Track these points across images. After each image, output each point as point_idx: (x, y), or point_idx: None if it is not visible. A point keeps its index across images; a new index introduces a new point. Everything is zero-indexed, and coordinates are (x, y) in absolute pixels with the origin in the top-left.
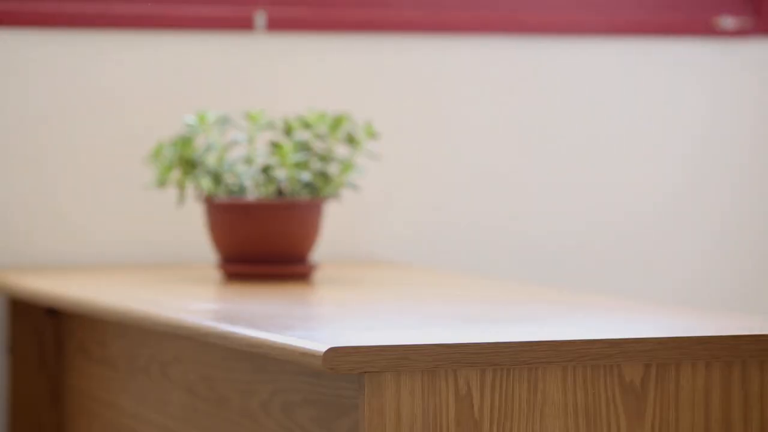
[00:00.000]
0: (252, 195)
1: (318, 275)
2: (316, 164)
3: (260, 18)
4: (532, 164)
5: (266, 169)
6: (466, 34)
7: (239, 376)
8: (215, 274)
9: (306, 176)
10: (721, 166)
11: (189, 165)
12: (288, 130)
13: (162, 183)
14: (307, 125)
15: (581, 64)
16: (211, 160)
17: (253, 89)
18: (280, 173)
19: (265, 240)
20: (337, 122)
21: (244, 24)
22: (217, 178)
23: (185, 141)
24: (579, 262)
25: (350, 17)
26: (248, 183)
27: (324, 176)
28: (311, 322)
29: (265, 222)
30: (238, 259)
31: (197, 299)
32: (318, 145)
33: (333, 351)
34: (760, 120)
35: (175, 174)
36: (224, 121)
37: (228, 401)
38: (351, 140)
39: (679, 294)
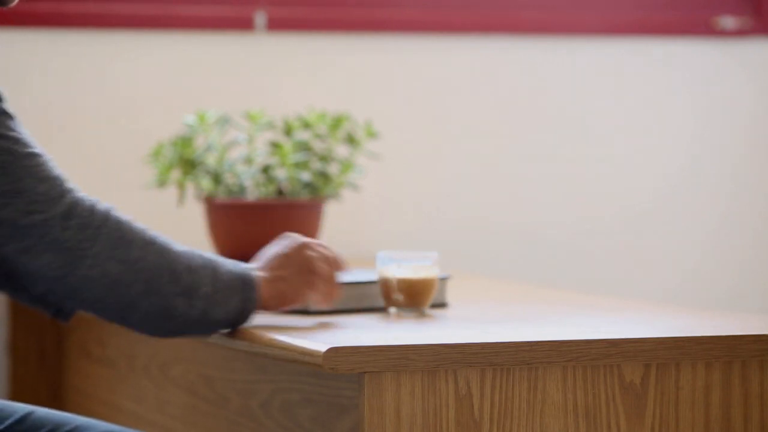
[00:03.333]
0: (252, 195)
1: None
2: (316, 164)
3: (260, 18)
4: (532, 164)
5: (266, 169)
6: (466, 34)
7: (239, 376)
8: None
9: (306, 176)
10: (720, 164)
11: (189, 165)
12: (288, 130)
13: (162, 183)
14: (307, 125)
15: (581, 64)
16: (211, 160)
17: (253, 89)
18: (280, 173)
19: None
20: (337, 122)
21: (244, 24)
22: (217, 178)
23: (185, 141)
24: (579, 261)
25: (350, 17)
26: (248, 183)
27: (324, 176)
28: (311, 322)
29: (265, 222)
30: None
31: None
32: (318, 145)
33: (333, 351)
34: (759, 119)
35: (175, 174)
36: (224, 121)
37: (228, 401)
38: (351, 140)
39: (676, 291)
